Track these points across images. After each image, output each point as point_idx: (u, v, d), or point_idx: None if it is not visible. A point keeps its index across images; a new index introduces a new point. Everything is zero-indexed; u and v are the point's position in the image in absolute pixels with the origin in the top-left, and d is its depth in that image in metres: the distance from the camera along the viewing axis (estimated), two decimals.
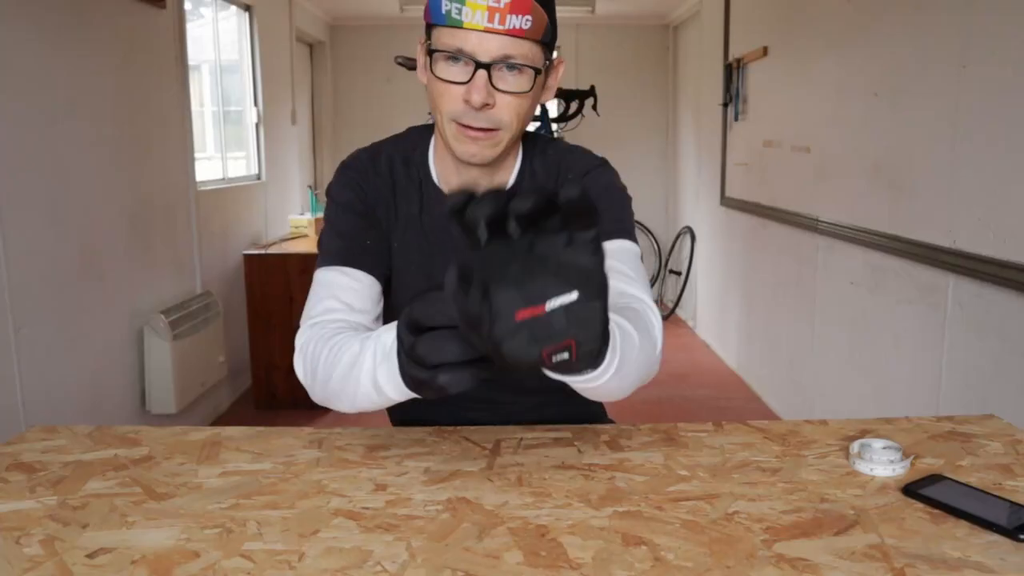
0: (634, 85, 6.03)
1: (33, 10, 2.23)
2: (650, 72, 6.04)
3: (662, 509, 0.81)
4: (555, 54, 1.00)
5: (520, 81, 0.93)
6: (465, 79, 0.91)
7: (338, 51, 5.99)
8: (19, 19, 2.18)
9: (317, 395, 0.94)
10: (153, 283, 2.96)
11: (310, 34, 5.44)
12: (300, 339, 0.97)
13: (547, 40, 0.94)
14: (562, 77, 1.05)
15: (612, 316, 0.76)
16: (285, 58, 4.73)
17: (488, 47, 0.90)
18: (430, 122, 1.08)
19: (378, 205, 1.08)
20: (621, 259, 1.00)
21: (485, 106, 0.92)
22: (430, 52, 0.94)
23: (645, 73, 6.04)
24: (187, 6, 3.35)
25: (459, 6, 0.87)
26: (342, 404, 0.91)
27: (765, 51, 3.59)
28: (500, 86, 0.92)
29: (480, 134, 0.94)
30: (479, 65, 0.90)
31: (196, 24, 3.83)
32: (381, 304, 1.05)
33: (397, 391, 0.79)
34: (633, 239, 1.06)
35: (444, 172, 1.08)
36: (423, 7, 0.96)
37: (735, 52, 4.05)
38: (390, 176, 1.08)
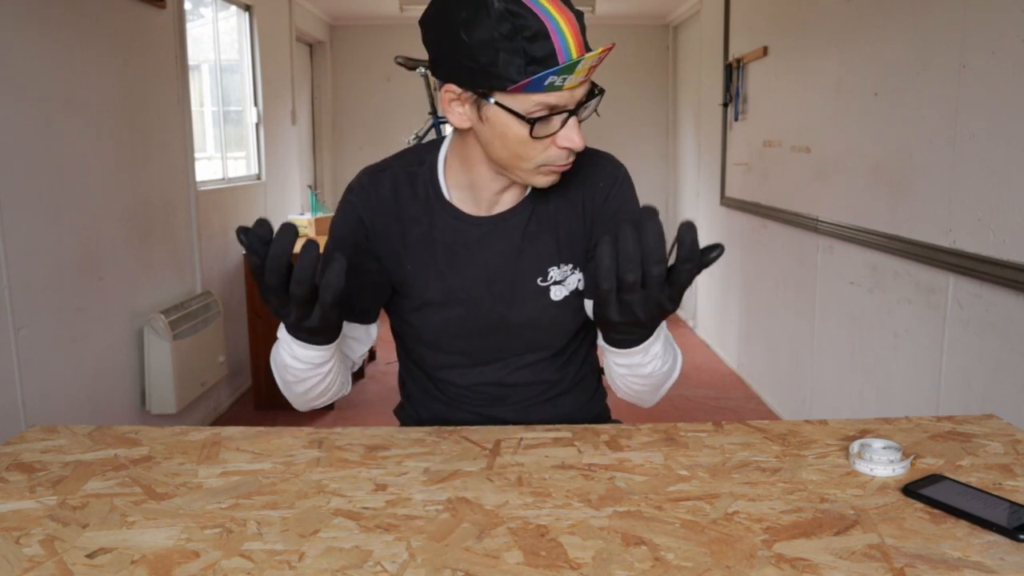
0: (634, 85, 6.02)
1: (33, 10, 2.23)
2: (650, 72, 6.04)
3: (662, 509, 0.81)
4: None
5: (591, 105, 0.97)
6: (558, 127, 0.93)
7: (338, 51, 5.99)
8: (19, 19, 2.18)
9: (286, 387, 1.10)
10: (153, 283, 2.96)
11: (310, 34, 5.44)
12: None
13: None
14: None
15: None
16: (285, 58, 4.73)
17: (580, 95, 0.94)
18: (432, 126, 1.09)
19: (379, 235, 1.07)
20: None
21: None
22: (521, 115, 0.91)
23: (645, 73, 6.04)
24: (187, 6, 3.35)
25: (566, 76, 0.89)
26: (295, 388, 1.08)
27: (765, 51, 3.59)
28: (582, 117, 0.96)
29: (567, 167, 0.99)
30: (572, 112, 0.93)
31: (196, 24, 3.83)
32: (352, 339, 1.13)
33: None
34: None
35: (456, 185, 1.06)
36: (422, 9, 0.95)
37: (735, 52, 4.05)
38: (394, 200, 1.07)
